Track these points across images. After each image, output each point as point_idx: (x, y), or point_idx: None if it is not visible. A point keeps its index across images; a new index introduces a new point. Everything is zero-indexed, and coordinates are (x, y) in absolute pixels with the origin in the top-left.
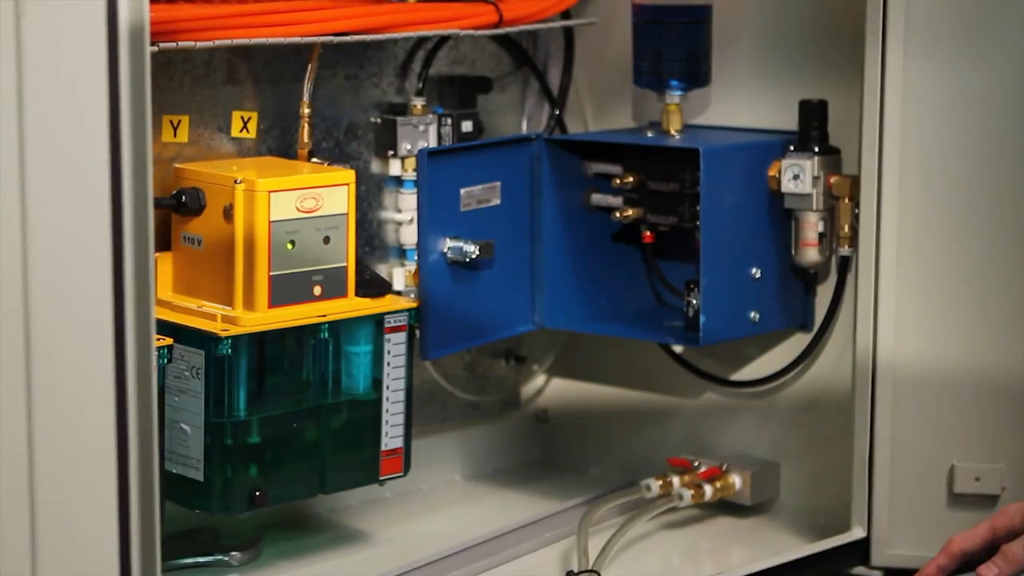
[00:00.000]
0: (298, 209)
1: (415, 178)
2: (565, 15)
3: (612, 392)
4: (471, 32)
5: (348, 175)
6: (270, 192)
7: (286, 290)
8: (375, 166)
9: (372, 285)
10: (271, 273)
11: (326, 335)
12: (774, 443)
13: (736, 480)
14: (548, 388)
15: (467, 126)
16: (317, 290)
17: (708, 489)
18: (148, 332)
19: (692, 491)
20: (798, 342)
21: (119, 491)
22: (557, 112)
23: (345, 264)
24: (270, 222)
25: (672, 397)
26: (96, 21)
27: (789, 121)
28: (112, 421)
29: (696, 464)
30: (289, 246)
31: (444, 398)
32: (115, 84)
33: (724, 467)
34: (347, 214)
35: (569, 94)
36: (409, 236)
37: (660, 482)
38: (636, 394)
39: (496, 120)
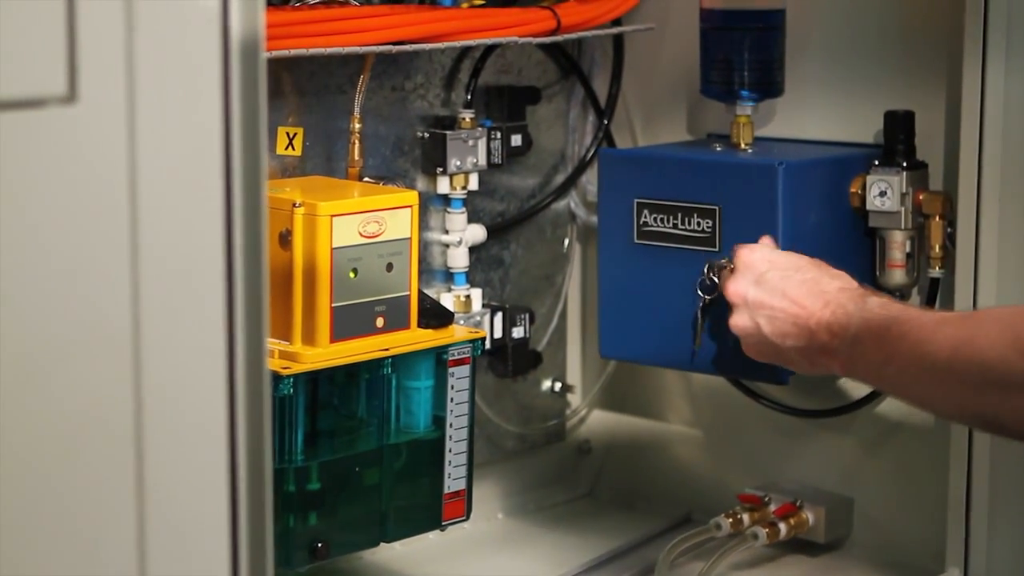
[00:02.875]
0: (361, 234)
1: (464, 197)
2: (615, 22)
3: (662, 420)
4: (530, 39)
5: (411, 196)
6: (332, 216)
7: (348, 323)
8: (420, 184)
9: (434, 315)
10: (333, 304)
11: (389, 370)
12: (845, 476)
13: (809, 516)
14: (592, 417)
15: (516, 140)
16: (380, 322)
17: (782, 527)
18: (261, 357)
19: (767, 530)
20: None
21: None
22: (606, 123)
23: (408, 293)
24: (332, 249)
25: (729, 426)
26: (210, 33)
27: (861, 133)
28: (225, 476)
29: (766, 500)
30: (351, 274)
31: (490, 431)
32: (228, 99)
33: (798, 503)
34: (411, 238)
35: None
36: (457, 259)
37: (730, 520)
38: (689, 422)
39: (541, 133)
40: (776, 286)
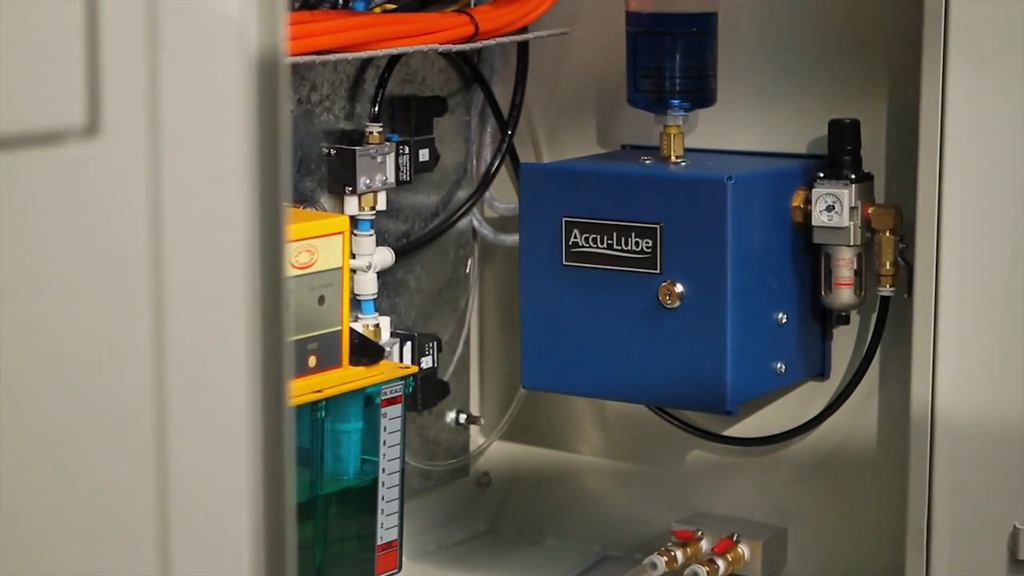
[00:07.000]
0: (293, 265)
1: (372, 218)
2: (522, 28)
3: (571, 451)
4: (450, 46)
5: (342, 221)
6: None
7: None
8: (326, 204)
9: (365, 351)
10: None
11: (323, 414)
12: (775, 506)
13: (745, 551)
14: (493, 448)
15: (424, 154)
16: (312, 360)
17: (721, 564)
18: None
19: (707, 568)
20: (810, 391)
21: None
22: (510, 134)
23: (340, 328)
24: None
25: (646, 456)
26: (233, 51)
27: (792, 143)
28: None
29: (699, 535)
30: None
31: None
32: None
33: (735, 537)
34: (342, 268)
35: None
36: (366, 286)
37: (665, 558)
38: (602, 453)
39: (444, 146)
40: None
